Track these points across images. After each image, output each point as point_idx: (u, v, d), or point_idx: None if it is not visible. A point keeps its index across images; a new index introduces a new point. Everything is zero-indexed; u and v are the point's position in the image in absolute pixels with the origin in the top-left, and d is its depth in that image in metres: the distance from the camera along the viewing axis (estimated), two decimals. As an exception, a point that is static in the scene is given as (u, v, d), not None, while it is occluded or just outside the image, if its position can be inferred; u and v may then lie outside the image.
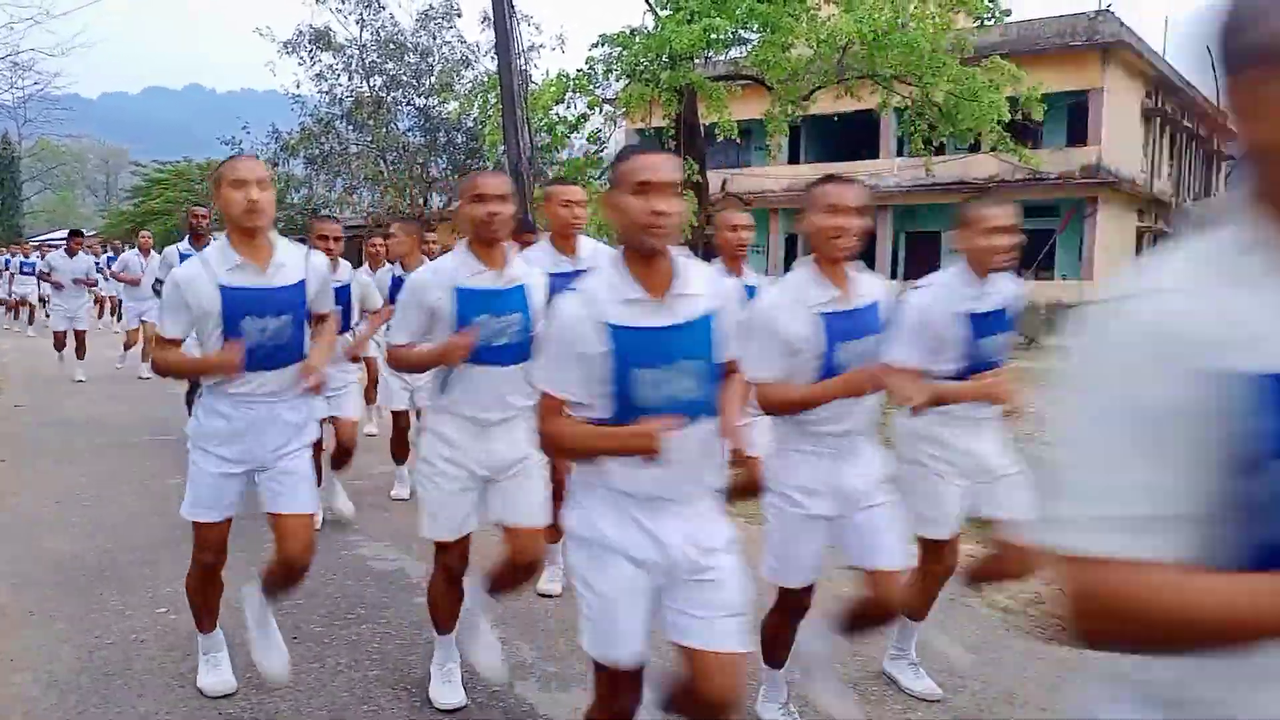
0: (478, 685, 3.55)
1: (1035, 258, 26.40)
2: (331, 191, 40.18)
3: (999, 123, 13.01)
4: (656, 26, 13.11)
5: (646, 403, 2.24)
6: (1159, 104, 28.63)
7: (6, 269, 21.81)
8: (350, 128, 39.79)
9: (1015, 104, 12.93)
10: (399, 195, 38.88)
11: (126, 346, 12.91)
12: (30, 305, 20.37)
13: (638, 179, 2.28)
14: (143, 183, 44.47)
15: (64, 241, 16.71)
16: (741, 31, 13.50)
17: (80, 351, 12.39)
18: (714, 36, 12.19)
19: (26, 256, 20.94)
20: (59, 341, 12.56)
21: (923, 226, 28.42)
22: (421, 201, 40.70)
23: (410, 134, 40.83)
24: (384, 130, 39.39)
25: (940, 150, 16.23)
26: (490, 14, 38.38)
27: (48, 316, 16.13)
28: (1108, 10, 24.53)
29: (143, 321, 11.50)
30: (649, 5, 13.65)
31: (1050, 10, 25.42)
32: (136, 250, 12.46)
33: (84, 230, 26.61)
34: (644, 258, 2.30)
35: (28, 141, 60.48)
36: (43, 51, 48.27)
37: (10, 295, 20.84)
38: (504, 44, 10.63)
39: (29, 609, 4.28)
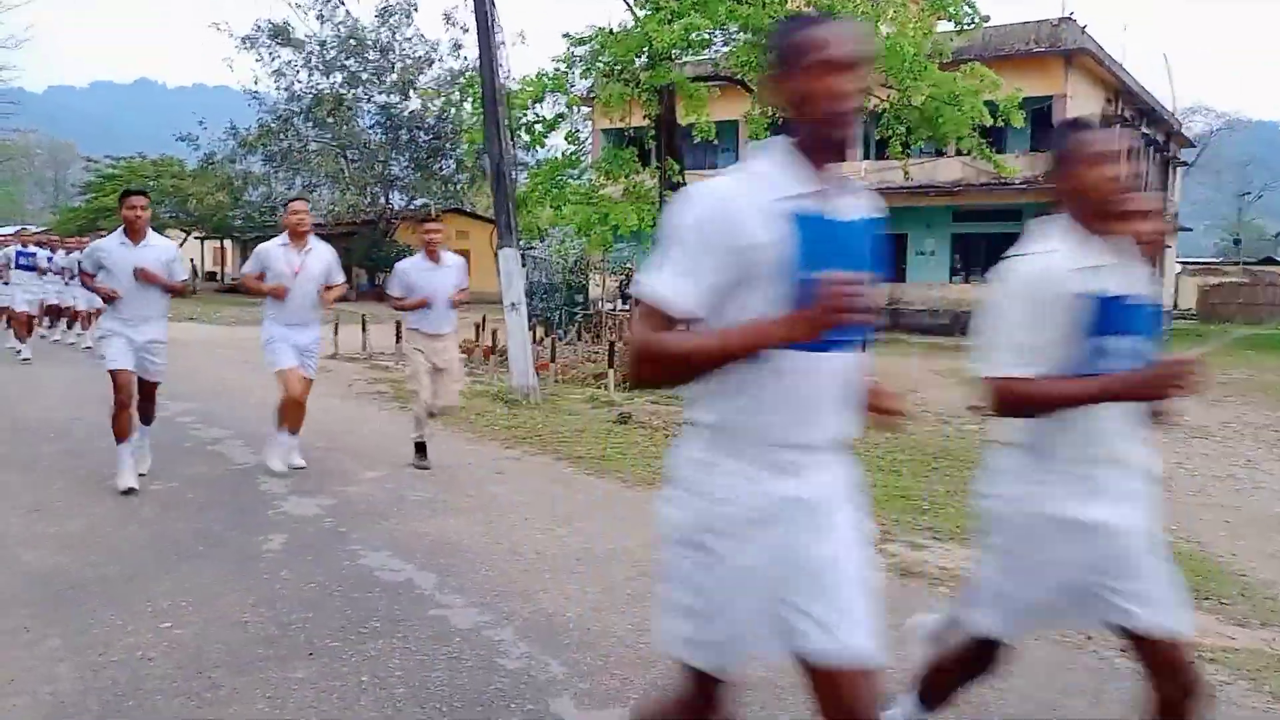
0: (512, 705, 3.39)
1: (1000, 261, 26.70)
2: (291, 189, 39.50)
3: (976, 128, 13.07)
4: (636, 25, 12.98)
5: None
6: (1118, 110, 29.12)
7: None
8: (310, 125, 39.21)
9: (993, 110, 12.99)
10: (360, 193, 38.37)
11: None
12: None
13: (823, 56, 1.87)
14: (95, 179, 43.36)
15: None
16: (720, 32, 13.44)
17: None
18: (694, 36, 12.09)
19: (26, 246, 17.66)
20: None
21: (888, 229, 28.56)
22: (383, 200, 40.22)
23: (371, 132, 40.32)
24: (344, 127, 38.88)
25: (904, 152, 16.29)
26: (450, 14, 37.83)
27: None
28: (1070, 18, 24.88)
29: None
30: (628, 4, 13.51)
31: (1014, 17, 25.72)
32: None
33: (31, 226, 25.80)
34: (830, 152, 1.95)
35: (-30, 136, 58.80)
36: (-7, 44, 46.84)
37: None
38: (485, 42, 10.44)
39: (18, 627, 4.04)
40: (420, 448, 7.44)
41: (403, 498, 6.42)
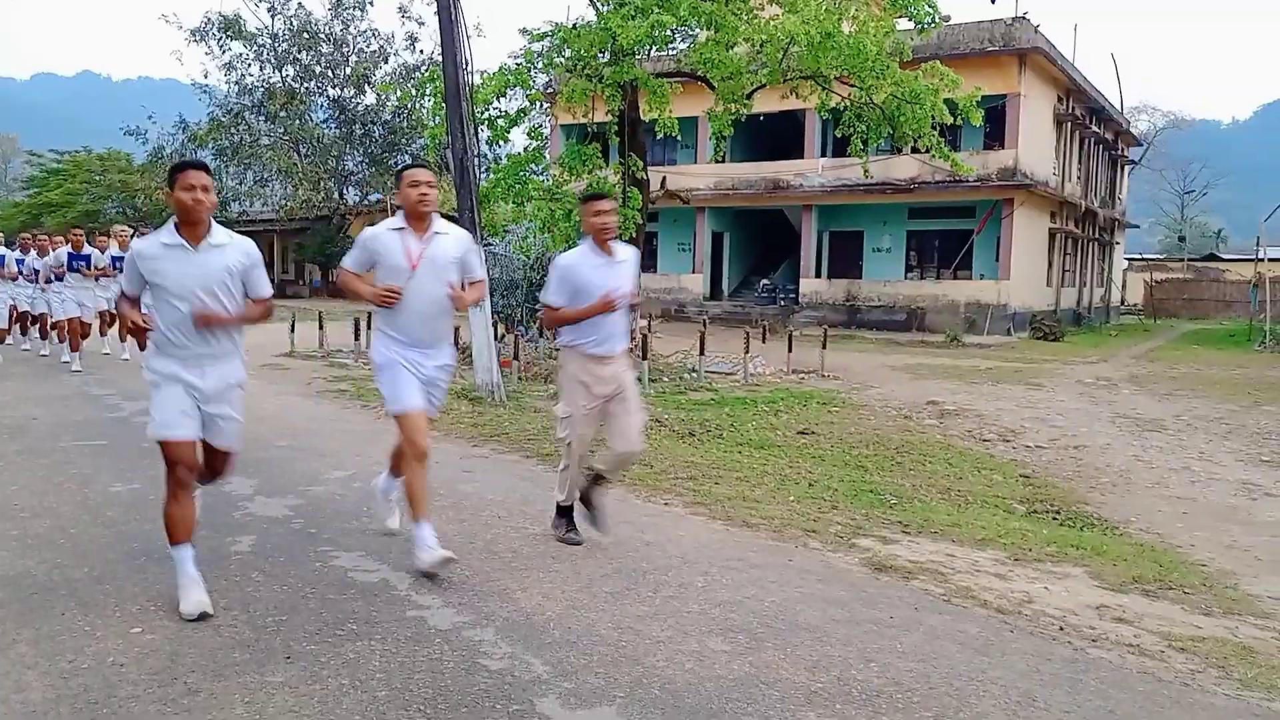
0: (497, 707, 3.37)
1: (955, 257, 27.08)
2: (241, 184, 38.92)
3: (935, 126, 13.22)
4: (598, 21, 12.95)
5: None
6: (1070, 109, 29.63)
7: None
8: (262, 119, 38.61)
9: (952, 108, 13.15)
10: (313, 188, 37.86)
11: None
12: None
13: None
14: (39, 173, 42.33)
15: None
16: (684, 28, 13.45)
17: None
18: (657, 33, 12.08)
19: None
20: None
21: (845, 225, 28.86)
22: (337, 195, 39.72)
23: (325, 126, 39.81)
24: (297, 122, 38.33)
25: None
26: (405, 8, 37.41)
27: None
28: (1024, 17, 25.27)
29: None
30: (590, 0, 13.47)
31: (968, 16, 26.06)
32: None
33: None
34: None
35: (-94, 128, 57.08)
36: (-74, 33, 45.44)
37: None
38: (449, 36, 10.34)
39: (-17, 632, 3.93)
40: (564, 511, 5.49)
41: (372, 497, 6.34)
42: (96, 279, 13.27)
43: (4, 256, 14.32)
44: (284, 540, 5.31)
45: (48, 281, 13.31)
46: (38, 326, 14.82)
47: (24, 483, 6.53)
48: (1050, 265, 29.83)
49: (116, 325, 13.93)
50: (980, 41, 24.99)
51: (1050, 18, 28.32)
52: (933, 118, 12.91)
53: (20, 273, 14.26)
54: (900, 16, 13.45)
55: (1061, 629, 4.39)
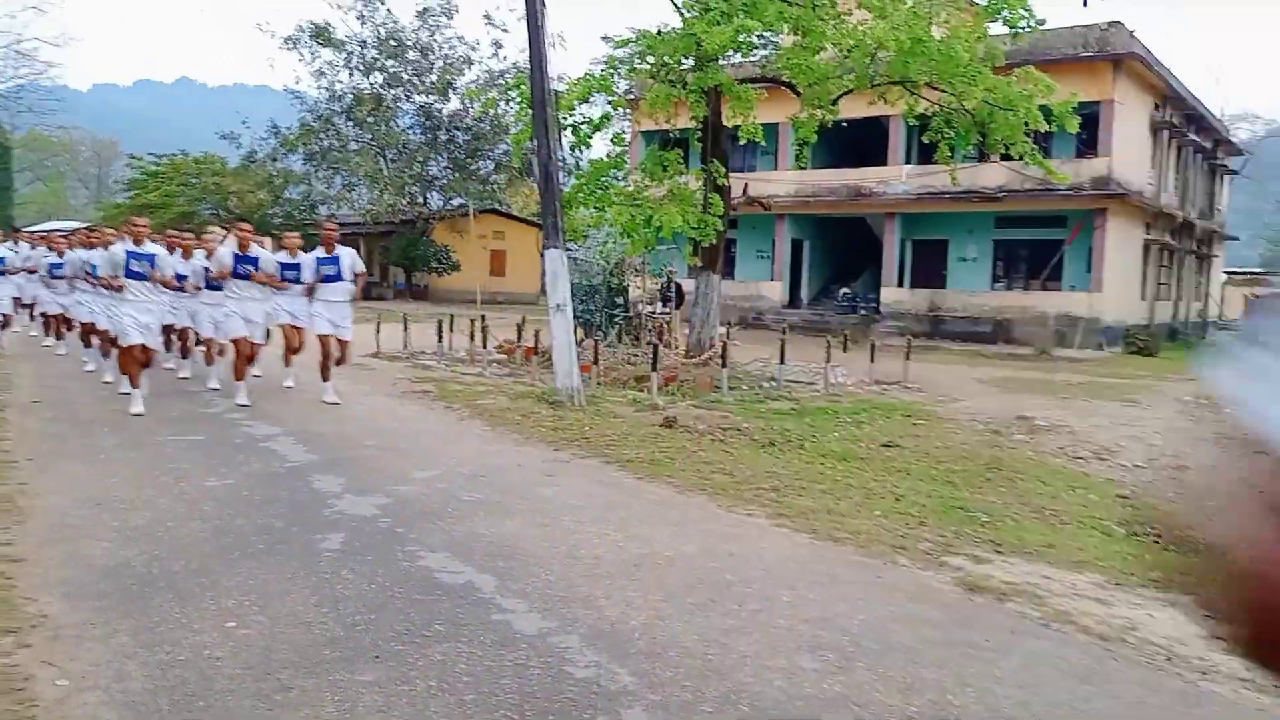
0: (585, 716, 3.34)
1: (1044, 268, 26.37)
2: (330, 188, 39.88)
3: (1028, 133, 12.87)
4: (682, 27, 12.92)
5: None
6: (1167, 116, 28.63)
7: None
8: (350, 124, 39.51)
9: (1046, 114, 12.79)
10: (398, 193, 38.60)
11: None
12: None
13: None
14: (139, 176, 44.00)
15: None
16: (769, 34, 13.35)
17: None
18: (744, 38, 12.01)
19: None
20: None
21: (929, 234, 28.33)
22: (421, 200, 40.45)
23: (410, 132, 40.57)
24: (384, 127, 39.14)
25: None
26: (490, 15, 37.95)
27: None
28: (1119, 22, 24.50)
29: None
30: (675, 6, 13.44)
31: (1061, 21, 25.36)
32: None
33: (75, 223, 25.98)
34: None
35: (19, 132, 59.88)
36: (46, 41, 47.69)
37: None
38: (535, 42, 10.42)
39: (87, 621, 4.05)
40: None
41: (456, 498, 6.40)
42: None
43: (154, 257, 9.96)
44: (372, 539, 5.37)
45: (198, 288, 10.59)
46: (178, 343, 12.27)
47: (123, 476, 6.74)
48: (1145, 278, 28.83)
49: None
50: (1073, 47, 24.30)
51: (1147, 23, 27.42)
52: (1026, 124, 12.57)
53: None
54: (993, 20, 13.14)
55: (1169, 659, 4.19)
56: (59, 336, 14.56)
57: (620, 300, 19.54)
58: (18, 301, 15.85)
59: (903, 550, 5.63)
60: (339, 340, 10.51)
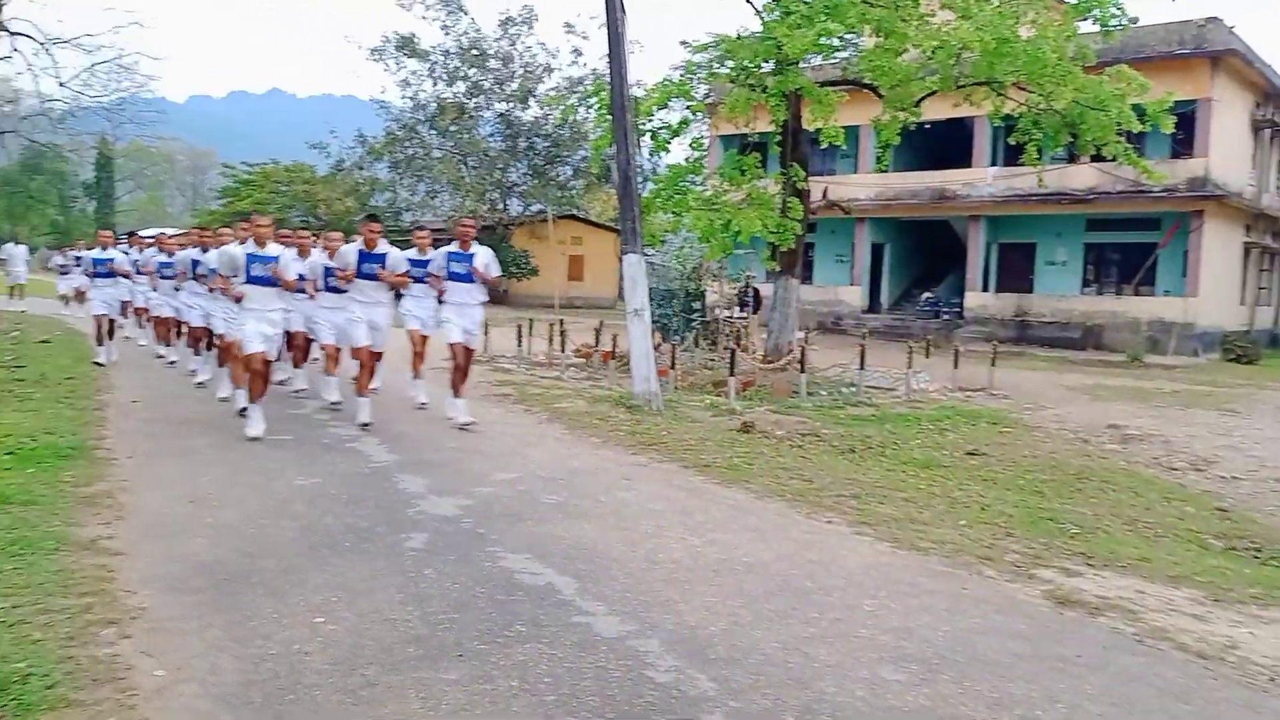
0: None
1: (1137, 272, 25.53)
2: (414, 195, 40.68)
3: (1121, 133, 12.47)
4: (762, 31, 12.85)
5: None
6: (1269, 114, 27.47)
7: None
8: (433, 133, 40.24)
9: (1139, 114, 12.38)
10: (479, 200, 39.17)
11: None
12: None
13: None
14: (232, 184, 45.55)
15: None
16: (850, 36, 13.21)
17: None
18: (825, 41, 11.89)
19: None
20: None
21: (1016, 237, 27.65)
22: (501, 206, 41.00)
23: (491, 139, 41.15)
24: (466, 135, 39.77)
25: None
26: (571, 23, 38.41)
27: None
28: (1217, 18, 23.60)
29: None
30: (755, 10, 13.39)
31: (1156, 18, 24.56)
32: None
33: (171, 230, 26.77)
34: None
35: (122, 143, 62.45)
36: (147, 55, 49.68)
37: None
38: (615, 49, 10.48)
39: (183, 614, 4.19)
40: None
41: (536, 500, 6.46)
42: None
43: (276, 259, 8.61)
44: (454, 539, 5.45)
45: (317, 290, 9.67)
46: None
47: (216, 475, 6.96)
48: (1244, 282, 27.67)
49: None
50: (1168, 44, 23.47)
51: (1248, 17, 26.38)
52: (1118, 124, 12.18)
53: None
54: (1084, 19, 12.76)
55: (1273, 680, 4.01)
56: (168, 343, 13.71)
57: (698, 305, 19.52)
58: (127, 306, 14.77)
59: (989, 561, 5.50)
60: (467, 349, 9.36)
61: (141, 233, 18.35)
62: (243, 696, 3.42)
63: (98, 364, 12.84)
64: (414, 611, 4.28)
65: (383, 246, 9.36)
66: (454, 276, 9.12)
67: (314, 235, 11.16)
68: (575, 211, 43.06)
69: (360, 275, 9.20)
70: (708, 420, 10.46)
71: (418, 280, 9.61)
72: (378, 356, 9.83)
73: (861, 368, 13.87)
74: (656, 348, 13.49)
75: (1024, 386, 15.79)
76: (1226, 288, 26.08)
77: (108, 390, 10.82)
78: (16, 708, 3.21)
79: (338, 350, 10.02)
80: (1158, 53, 23.10)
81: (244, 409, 8.71)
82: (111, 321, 13.37)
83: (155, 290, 13.28)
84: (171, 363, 13.45)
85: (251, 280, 8.36)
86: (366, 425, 8.80)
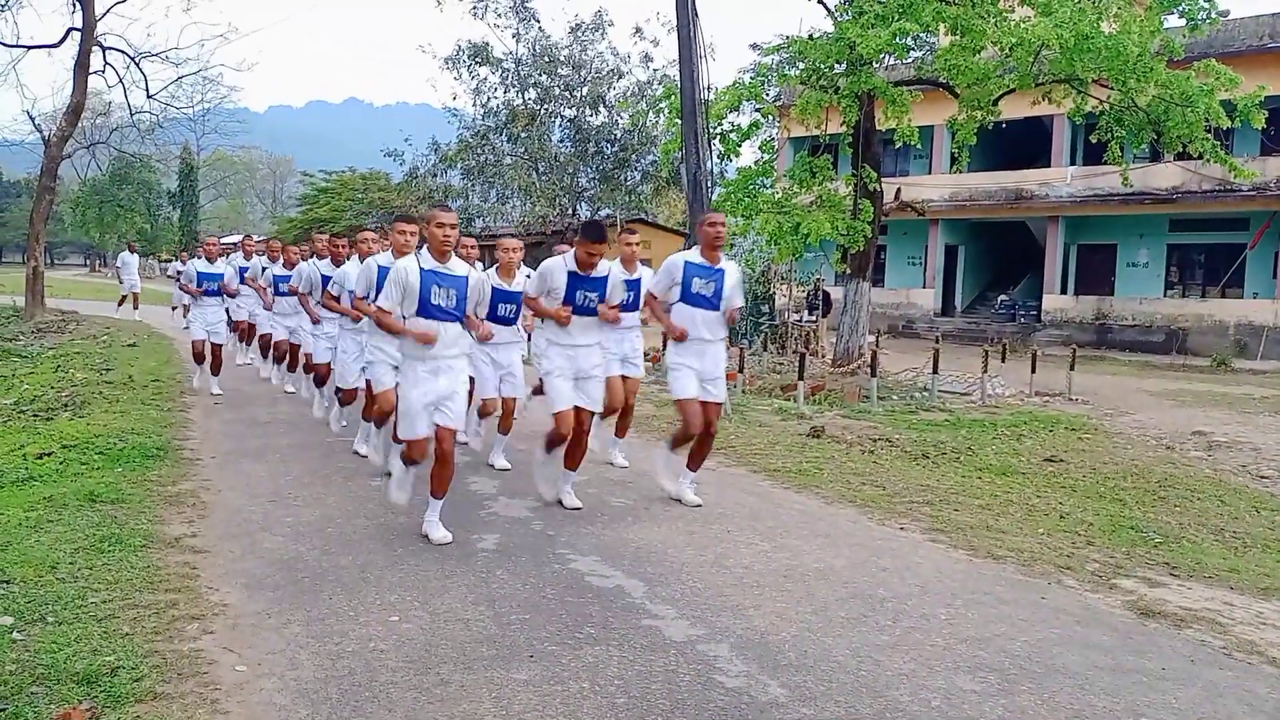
0: (735, 724, 3.31)
1: (1224, 274, 24.66)
2: (485, 202, 41.20)
3: (1209, 130, 12.05)
4: (835, 31, 12.73)
5: None
6: (1367, 109, 26.27)
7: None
8: (505, 139, 40.69)
9: (1229, 110, 11.94)
10: (549, 205, 39.49)
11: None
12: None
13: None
14: (310, 191, 46.69)
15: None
16: (925, 35, 13.02)
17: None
18: (899, 41, 11.73)
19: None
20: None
21: (1096, 239, 26.91)
22: (570, 211, 41.28)
23: (561, 145, 41.48)
24: (537, 142, 40.14)
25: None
26: (641, 27, 38.67)
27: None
28: (1312, 8, 22.68)
29: None
30: (827, 10, 13.28)
31: (1246, 10, 23.70)
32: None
33: (253, 235, 27.16)
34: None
35: (205, 153, 64.55)
36: (230, 67, 51.39)
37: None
38: (686, 53, 10.50)
39: (263, 611, 4.30)
40: None
41: (605, 504, 6.48)
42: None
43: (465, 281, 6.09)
44: (525, 540, 5.50)
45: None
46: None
47: (296, 474, 7.13)
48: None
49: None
50: (1259, 37, 22.62)
51: (1345, 7, 25.28)
52: (1206, 120, 11.77)
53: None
54: (1170, 13, 12.37)
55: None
56: (287, 366, 11.24)
57: (766, 308, 19.41)
58: (239, 328, 12.99)
59: (1069, 570, 5.36)
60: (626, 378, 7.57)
61: (224, 239, 18.09)
62: (321, 692, 3.50)
63: (215, 393, 10.94)
64: (485, 612, 4.33)
65: (603, 267, 6.31)
66: (696, 301, 6.30)
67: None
68: (643, 216, 43.15)
69: (575, 309, 6.17)
70: (776, 424, 10.38)
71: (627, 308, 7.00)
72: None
73: (935, 372, 13.62)
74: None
75: (1104, 391, 15.36)
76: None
77: (192, 393, 11.16)
78: (106, 699, 3.32)
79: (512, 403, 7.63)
80: (1248, 47, 22.29)
81: (388, 475, 6.23)
82: (217, 348, 11.08)
83: (269, 309, 11.18)
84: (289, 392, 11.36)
85: (433, 313, 5.37)
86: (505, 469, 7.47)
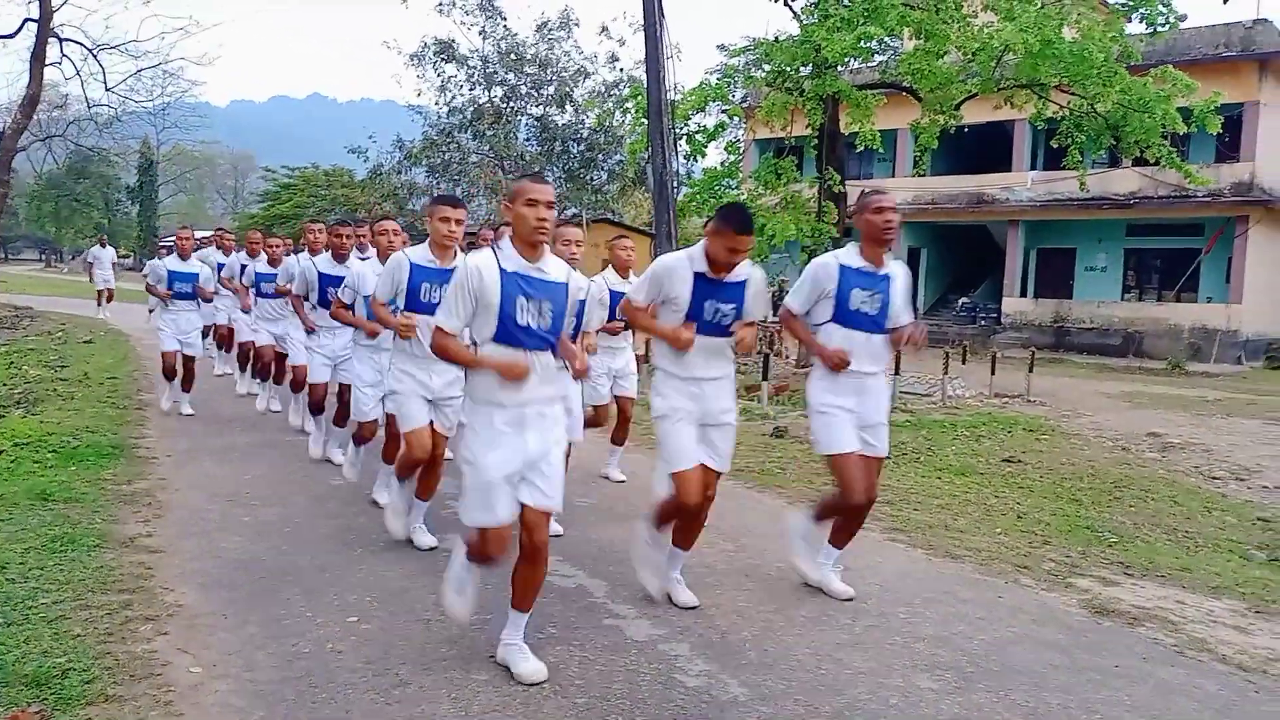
0: (695, 723, 3.32)
1: (1179, 278, 25.13)
2: (450, 200, 40.93)
3: (1165, 136, 12.29)
4: (801, 34, 12.81)
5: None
6: (1317, 118, 26.90)
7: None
8: (470, 137, 40.49)
9: (1185, 116, 12.18)
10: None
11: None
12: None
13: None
14: (272, 187, 46.20)
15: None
16: (890, 39, 13.16)
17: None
18: (865, 45, 11.83)
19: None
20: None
21: (1055, 242, 27.33)
22: (536, 210, 41.18)
23: (527, 144, 41.35)
24: (503, 140, 39.99)
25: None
26: (607, 26, 38.68)
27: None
28: (1266, 20, 23.20)
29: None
30: (793, 13, 13.37)
31: (1202, 20, 24.17)
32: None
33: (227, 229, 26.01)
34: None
35: (164, 147, 63.58)
36: (191, 60, 50.62)
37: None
38: (653, 53, 10.51)
39: (219, 611, 4.24)
40: None
41: (569, 504, 6.40)
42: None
43: (331, 279, 7.04)
44: (486, 541, 5.46)
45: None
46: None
47: (255, 475, 7.04)
48: (1290, 289, 27.17)
49: None
50: (1215, 46, 23.12)
51: (1297, 18, 25.87)
52: (1164, 127, 11.99)
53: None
54: (1129, 18, 12.60)
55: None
56: (273, 379, 9.94)
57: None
58: (219, 334, 11.85)
59: (1025, 570, 5.43)
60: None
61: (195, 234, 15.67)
62: (277, 693, 3.46)
63: (185, 412, 9.52)
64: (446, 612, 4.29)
65: (740, 270, 4.51)
66: (856, 321, 4.65)
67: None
68: (610, 215, 43.16)
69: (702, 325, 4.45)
70: (740, 425, 10.39)
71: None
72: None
73: (896, 373, 13.73)
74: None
75: (1062, 393, 15.58)
76: (1271, 294, 25.60)
77: (149, 390, 10.99)
78: (56, 701, 3.26)
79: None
80: (1204, 55, 22.79)
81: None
82: (190, 360, 9.48)
83: (247, 311, 10.03)
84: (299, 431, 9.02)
85: (513, 335, 3.75)
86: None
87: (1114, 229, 26.39)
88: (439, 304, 3.98)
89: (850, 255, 4.75)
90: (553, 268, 3.78)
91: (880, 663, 3.92)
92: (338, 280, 6.59)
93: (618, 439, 7.49)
